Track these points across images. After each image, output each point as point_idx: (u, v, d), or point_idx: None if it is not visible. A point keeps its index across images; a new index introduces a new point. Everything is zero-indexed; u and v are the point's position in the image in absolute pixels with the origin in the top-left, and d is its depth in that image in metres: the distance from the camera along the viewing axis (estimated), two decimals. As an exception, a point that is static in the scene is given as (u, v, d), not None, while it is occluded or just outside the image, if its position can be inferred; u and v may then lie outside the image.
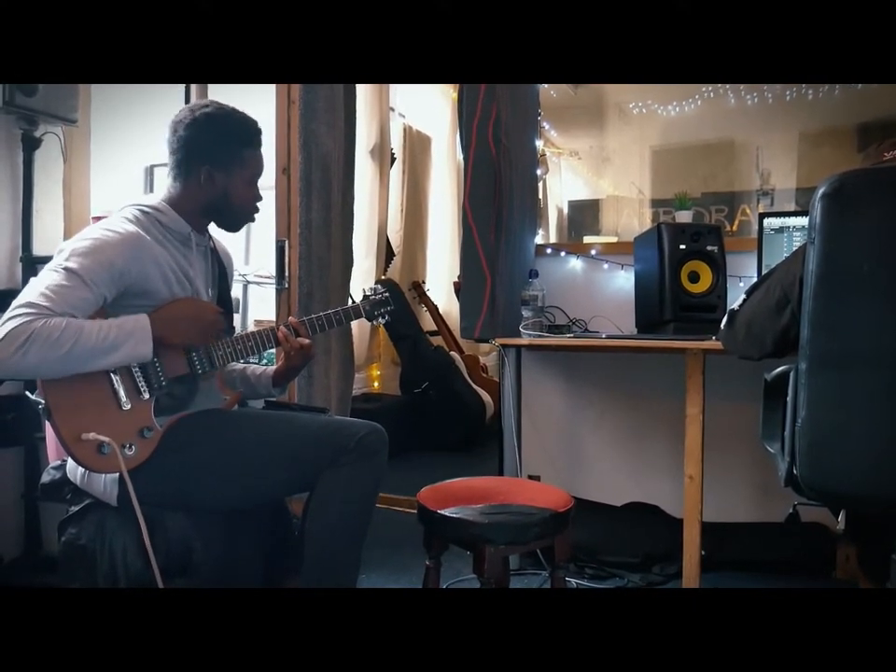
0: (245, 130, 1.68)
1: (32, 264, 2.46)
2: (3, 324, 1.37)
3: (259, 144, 1.71)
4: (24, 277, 2.45)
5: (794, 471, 1.52)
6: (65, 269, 1.44)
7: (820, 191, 1.41)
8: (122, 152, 3.22)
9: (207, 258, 1.76)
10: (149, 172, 3.49)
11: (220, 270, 1.80)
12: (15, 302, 1.41)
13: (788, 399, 1.54)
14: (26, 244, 2.50)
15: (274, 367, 1.83)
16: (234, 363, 1.82)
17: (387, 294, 1.85)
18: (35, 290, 1.42)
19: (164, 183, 1.71)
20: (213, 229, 1.78)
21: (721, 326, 1.77)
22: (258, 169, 1.72)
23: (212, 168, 1.64)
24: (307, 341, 1.73)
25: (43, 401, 1.45)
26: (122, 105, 3.06)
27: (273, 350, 1.80)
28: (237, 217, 1.74)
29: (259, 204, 1.75)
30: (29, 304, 1.39)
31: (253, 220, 1.78)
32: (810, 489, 1.51)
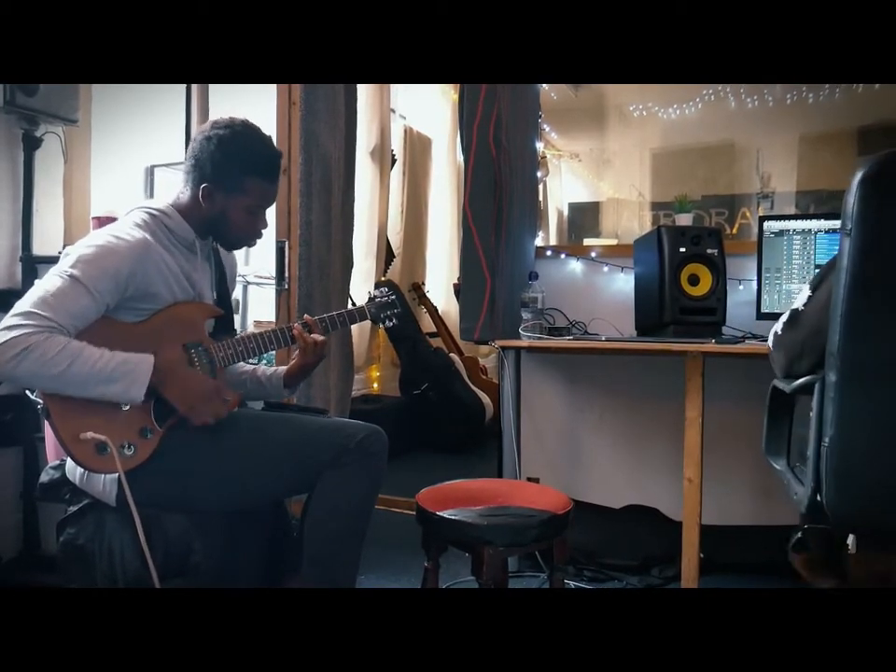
0: (256, 159, 1.64)
1: (31, 264, 2.46)
2: (4, 328, 1.37)
3: (270, 175, 1.67)
4: (24, 277, 2.45)
5: (819, 498, 1.32)
6: (70, 276, 1.44)
7: (859, 175, 1.22)
8: (123, 152, 3.21)
9: (211, 261, 1.76)
10: (150, 172, 3.48)
11: (221, 272, 1.80)
12: (18, 307, 1.40)
13: (812, 413, 1.34)
14: (26, 243, 2.50)
15: (286, 367, 1.82)
16: (243, 364, 1.82)
17: (394, 297, 1.85)
18: (38, 296, 1.41)
19: (177, 185, 1.70)
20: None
21: (779, 329, 1.50)
22: (262, 200, 1.68)
23: (212, 187, 1.62)
24: (321, 337, 1.73)
25: (42, 401, 1.45)
26: (123, 106, 3.06)
27: (274, 353, 1.80)
28: (232, 239, 1.72)
29: (262, 231, 1.73)
30: (31, 314, 1.38)
31: (251, 245, 1.76)
32: (838, 518, 1.32)
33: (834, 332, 1.27)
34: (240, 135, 1.63)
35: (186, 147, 1.68)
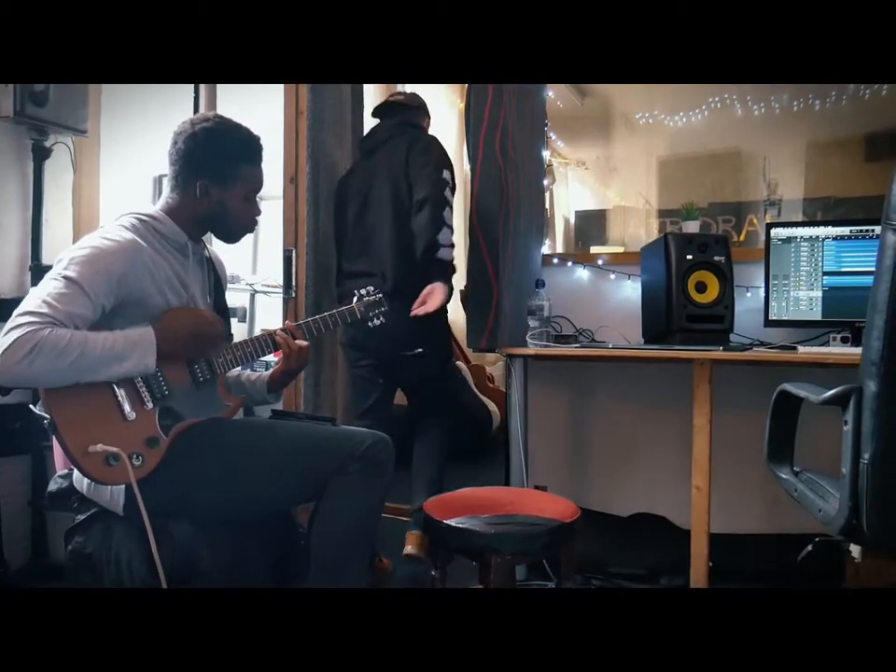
0: (244, 146, 1.68)
1: (41, 273, 2.46)
2: (7, 332, 1.37)
3: (258, 160, 1.71)
4: (33, 286, 2.45)
5: (856, 519, 1.22)
6: (65, 277, 1.45)
7: None
8: (131, 162, 3.24)
9: (203, 266, 1.77)
10: (158, 181, 3.51)
11: (216, 278, 1.81)
12: (17, 311, 1.41)
13: (846, 428, 1.24)
14: (35, 252, 2.52)
15: (269, 372, 1.83)
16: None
17: (381, 295, 1.84)
18: (35, 299, 1.43)
19: (163, 193, 1.71)
20: (207, 237, 1.79)
21: None
22: (255, 185, 1.72)
23: (208, 182, 1.64)
24: (304, 343, 1.73)
25: (48, 416, 1.45)
26: (131, 116, 3.08)
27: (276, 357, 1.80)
28: (234, 230, 1.74)
29: (257, 218, 1.75)
30: (31, 313, 1.39)
31: (251, 232, 1.79)
32: (880, 541, 1.23)
33: (877, 338, 1.15)
34: (222, 126, 1.66)
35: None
